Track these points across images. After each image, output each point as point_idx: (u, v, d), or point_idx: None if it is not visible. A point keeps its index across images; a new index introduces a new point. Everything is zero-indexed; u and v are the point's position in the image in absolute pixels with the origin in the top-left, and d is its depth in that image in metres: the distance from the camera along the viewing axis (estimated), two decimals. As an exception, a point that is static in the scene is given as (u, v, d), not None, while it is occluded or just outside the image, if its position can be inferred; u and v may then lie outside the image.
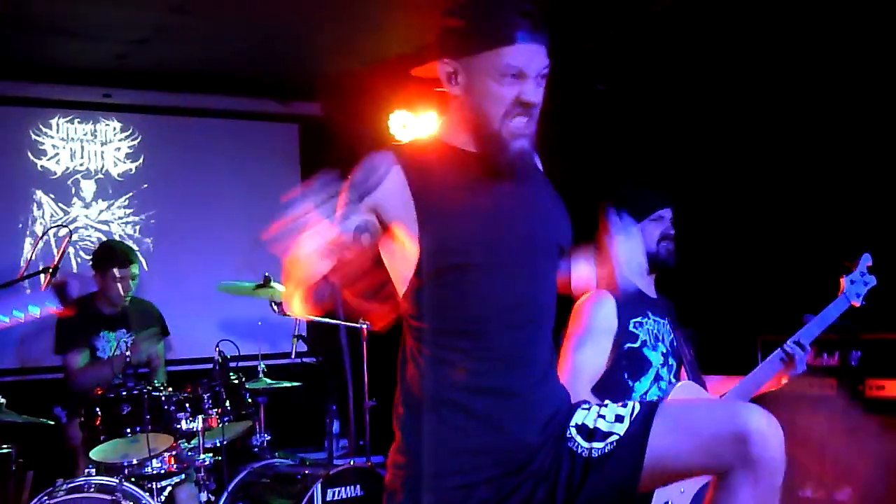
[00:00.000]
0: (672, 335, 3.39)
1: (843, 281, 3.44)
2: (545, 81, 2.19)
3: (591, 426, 2.21)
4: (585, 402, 2.34)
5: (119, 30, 5.59)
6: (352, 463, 4.77)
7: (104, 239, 6.50)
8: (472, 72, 2.17)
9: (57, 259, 4.50)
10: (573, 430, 2.22)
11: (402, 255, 2.17)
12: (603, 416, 2.22)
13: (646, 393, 3.25)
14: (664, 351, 3.33)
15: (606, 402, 2.31)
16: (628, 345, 3.24)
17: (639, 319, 3.29)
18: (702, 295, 5.30)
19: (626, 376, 3.23)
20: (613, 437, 2.16)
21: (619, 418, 2.19)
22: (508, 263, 2.17)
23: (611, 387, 3.19)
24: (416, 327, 2.20)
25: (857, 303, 3.43)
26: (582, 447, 2.19)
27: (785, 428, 2.08)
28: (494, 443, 2.15)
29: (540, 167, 2.47)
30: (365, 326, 5.23)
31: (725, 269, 5.39)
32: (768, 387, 3.39)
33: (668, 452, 2.10)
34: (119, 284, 5.25)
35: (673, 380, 3.33)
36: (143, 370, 5.55)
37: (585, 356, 3.18)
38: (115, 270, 5.22)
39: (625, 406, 2.23)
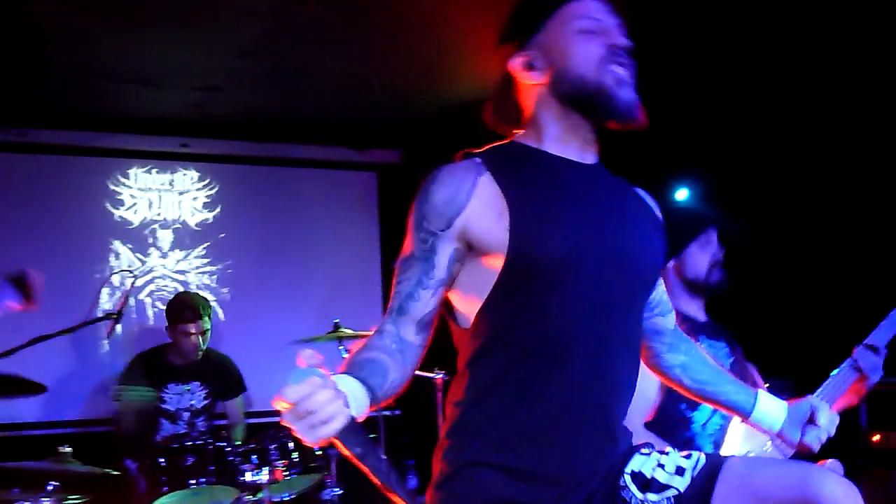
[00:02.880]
0: (731, 359, 3.11)
1: None
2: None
3: (647, 475, 1.97)
4: (647, 445, 2.10)
5: (192, 77, 5.58)
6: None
7: (181, 289, 6.46)
8: (548, 45, 2.00)
9: (121, 304, 4.44)
10: (628, 478, 1.99)
11: (480, 274, 1.92)
12: (662, 466, 1.99)
13: (706, 423, 2.99)
14: None
15: (668, 449, 2.07)
16: None
17: None
18: (791, 312, 5.01)
19: (682, 407, 2.97)
20: (671, 493, 1.93)
21: (680, 471, 1.95)
22: (596, 278, 1.92)
23: (667, 420, 2.96)
24: (485, 353, 1.95)
25: None
26: (635, 498, 1.95)
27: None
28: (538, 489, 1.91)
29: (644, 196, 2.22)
30: (440, 377, 5.05)
31: (810, 283, 5.08)
32: (846, 400, 3.07)
33: None
34: (189, 339, 5.20)
35: None
36: (219, 422, 5.48)
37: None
38: (185, 325, 5.17)
39: (688, 457, 1.99)
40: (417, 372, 3.72)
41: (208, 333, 5.31)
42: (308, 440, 1.58)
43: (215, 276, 6.72)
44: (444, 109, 6.29)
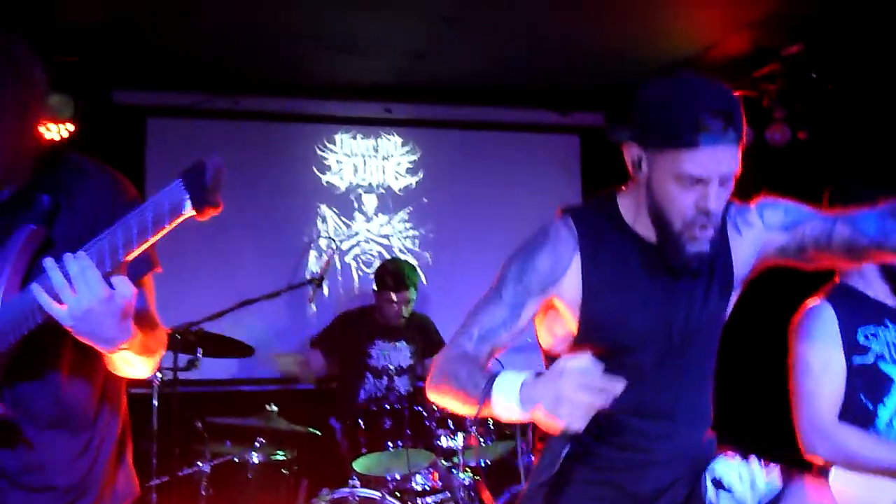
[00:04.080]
0: None
1: None
2: (733, 180, 2.09)
3: (725, 482, 2.17)
4: (734, 453, 2.24)
5: (395, 43, 5.63)
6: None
7: (384, 253, 6.58)
8: (654, 166, 2.10)
9: (323, 269, 4.56)
10: (708, 480, 2.20)
11: (559, 325, 2.28)
12: (740, 476, 2.16)
13: (892, 420, 2.74)
14: None
15: (752, 456, 2.20)
16: (858, 360, 2.75)
17: (871, 330, 2.79)
18: None
19: (862, 398, 2.74)
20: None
21: (752, 484, 2.13)
22: (656, 354, 2.22)
23: (846, 411, 2.74)
24: None
25: None
26: (709, 500, 2.16)
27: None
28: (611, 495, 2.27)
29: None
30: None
31: None
32: None
33: None
34: (392, 307, 5.27)
35: None
36: (420, 384, 5.57)
37: (817, 389, 2.75)
38: (392, 294, 5.24)
39: (769, 470, 2.14)
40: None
41: (412, 303, 5.37)
42: (564, 421, 1.81)
43: (418, 241, 6.80)
44: (648, 71, 6.10)
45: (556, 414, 1.81)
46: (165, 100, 6.35)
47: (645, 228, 2.20)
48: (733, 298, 2.33)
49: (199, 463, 4.54)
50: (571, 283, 2.19)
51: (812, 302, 2.87)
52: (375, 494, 4.25)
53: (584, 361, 1.82)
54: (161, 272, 2.16)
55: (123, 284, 1.79)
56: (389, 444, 4.34)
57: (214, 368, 5.64)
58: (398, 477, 4.38)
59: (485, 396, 1.97)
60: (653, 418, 2.25)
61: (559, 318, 2.25)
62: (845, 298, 2.85)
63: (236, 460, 4.66)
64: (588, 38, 5.58)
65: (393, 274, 5.28)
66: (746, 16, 5.11)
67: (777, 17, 5.00)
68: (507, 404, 1.93)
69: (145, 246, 1.75)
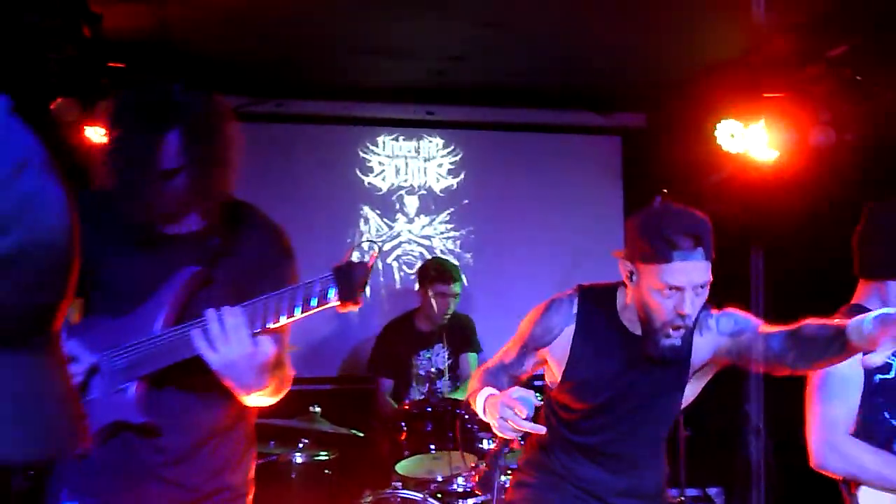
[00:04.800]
0: None
1: None
2: (707, 287, 2.58)
3: None
4: None
5: (435, 47, 5.66)
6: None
7: (426, 254, 6.62)
8: (640, 277, 2.61)
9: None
10: None
11: (551, 375, 2.91)
12: None
13: None
14: None
15: None
16: (879, 377, 2.75)
17: None
18: None
19: (886, 415, 2.74)
20: None
21: None
22: (618, 414, 2.81)
23: (872, 430, 2.75)
24: (553, 409, 2.96)
25: None
26: None
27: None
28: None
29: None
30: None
31: None
32: None
33: None
34: (442, 300, 5.33)
35: None
36: (461, 383, 5.61)
37: (832, 403, 2.77)
38: (439, 286, 5.31)
39: None
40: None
41: (458, 298, 5.44)
42: (496, 427, 2.58)
43: (459, 241, 6.84)
44: (690, 73, 6.07)
45: (492, 422, 2.56)
46: (210, 103, 6.42)
47: (629, 321, 2.76)
48: (695, 386, 2.84)
49: (243, 463, 4.59)
50: (560, 347, 2.79)
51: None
52: (417, 496, 4.28)
53: (522, 392, 2.51)
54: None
55: (266, 344, 2.10)
56: (432, 446, 4.38)
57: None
58: (440, 479, 4.41)
59: (470, 400, 2.80)
60: (615, 458, 2.89)
61: (550, 368, 2.88)
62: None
63: (280, 461, 4.72)
64: (630, 39, 5.56)
65: (439, 267, 5.42)
66: (790, 17, 5.08)
67: (822, 19, 4.96)
68: (479, 409, 2.69)
69: (290, 320, 2.09)
